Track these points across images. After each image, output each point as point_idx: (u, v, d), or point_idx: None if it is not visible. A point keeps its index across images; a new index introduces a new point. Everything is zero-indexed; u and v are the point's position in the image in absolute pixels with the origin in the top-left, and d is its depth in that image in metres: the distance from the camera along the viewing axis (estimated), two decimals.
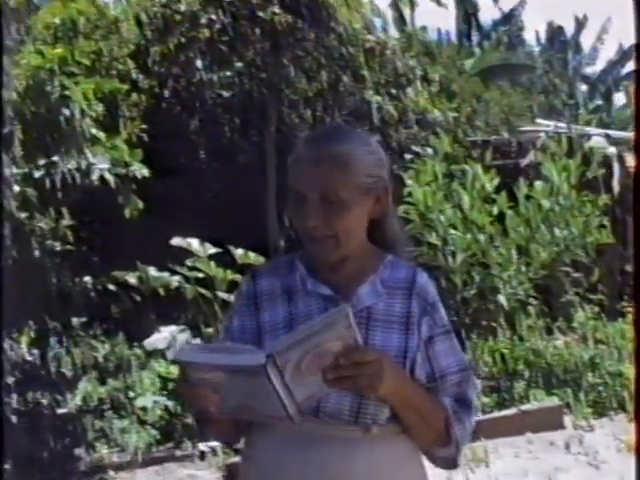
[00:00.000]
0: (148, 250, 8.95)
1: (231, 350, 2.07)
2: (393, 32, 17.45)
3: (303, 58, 11.34)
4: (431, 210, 9.00)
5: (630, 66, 25.11)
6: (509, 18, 24.43)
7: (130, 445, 7.23)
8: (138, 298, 9.94)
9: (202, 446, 7.28)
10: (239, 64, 10.78)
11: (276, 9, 10.34)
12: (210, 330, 8.20)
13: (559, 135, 11.51)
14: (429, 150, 10.79)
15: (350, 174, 2.26)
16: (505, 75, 19.14)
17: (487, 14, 36.93)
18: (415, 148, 10.95)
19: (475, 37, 23.99)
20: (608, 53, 26.54)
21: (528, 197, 9.30)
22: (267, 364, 1.94)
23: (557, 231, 9.11)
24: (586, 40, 25.49)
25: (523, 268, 9.07)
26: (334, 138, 2.31)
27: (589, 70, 25.50)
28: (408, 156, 10.88)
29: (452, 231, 8.90)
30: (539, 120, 14.36)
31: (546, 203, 9.09)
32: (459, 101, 12.86)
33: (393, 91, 11.25)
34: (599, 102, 24.78)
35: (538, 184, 9.34)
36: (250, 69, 10.92)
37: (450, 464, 2.42)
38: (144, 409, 7.76)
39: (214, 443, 7.31)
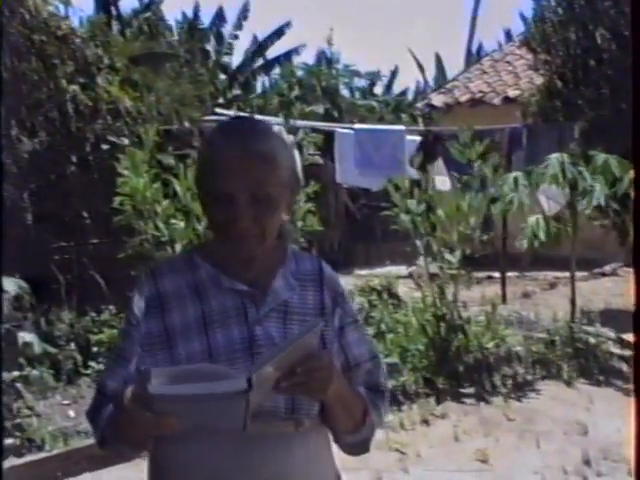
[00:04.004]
0: None
1: (203, 375, 1.99)
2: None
3: None
4: (147, 200, 8.90)
5: (266, 57, 26.05)
6: (149, 7, 24.34)
7: None
8: None
9: None
10: None
11: None
12: None
13: None
14: (125, 140, 10.70)
15: (278, 171, 2.26)
16: (149, 64, 19.06)
17: (128, 2, 37.10)
18: (111, 138, 10.78)
19: (115, 25, 23.72)
20: (245, 43, 27.10)
21: None
22: (249, 390, 1.94)
23: None
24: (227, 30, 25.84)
25: None
26: (256, 134, 2.27)
27: (227, 59, 26.03)
28: (105, 146, 10.72)
29: (173, 220, 8.86)
30: (219, 110, 14.59)
31: None
32: (139, 90, 12.75)
33: (82, 80, 10.96)
34: (237, 92, 25.40)
35: None
36: None
37: (362, 449, 2.50)
38: None
39: None
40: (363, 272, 15.06)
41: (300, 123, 12.66)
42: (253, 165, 2.20)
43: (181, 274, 2.35)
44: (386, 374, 2.57)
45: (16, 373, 7.56)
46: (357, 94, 26.57)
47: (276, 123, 12.51)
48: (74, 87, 10.54)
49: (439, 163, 12.18)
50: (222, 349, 2.24)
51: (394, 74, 29.21)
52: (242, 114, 14.33)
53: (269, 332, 2.29)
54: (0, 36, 5.80)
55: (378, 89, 28.53)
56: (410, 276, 10.46)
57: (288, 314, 2.34)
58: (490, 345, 9.15)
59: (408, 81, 51.92)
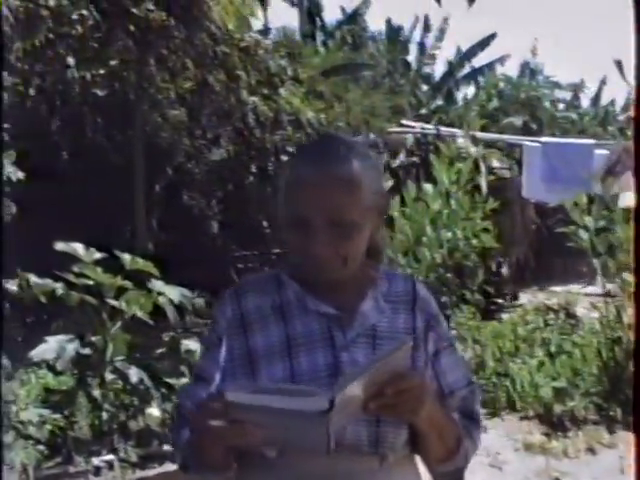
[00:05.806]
0: (25, 256, 8.55)
1: (286, 392, 1.92)
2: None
3: (168, 57, 11.11)
4: None
5: (469, 67, 25.85)
6: (353, 18, 24.59)
7: (17, 462, 6.87)
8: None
9: (96, 461, 7.02)
10: (114, 62, 10.46)
11: (150, 5, 10.04)
12: (94, 338, 7.89)
13: (426, 137, 11.64)
14: None
15: (360, 195, 2.13)
16: (347, 73, 19.18)
17: (332, 14, 37.76)
18: (291, 149, 10.90)
19: (319, 37, 24.12)
20: (447, 53, 27.05)
21: (417, 199, 9.34)
22: (330, 410, 1.84)
23: (443, 234, 9.18)
24: (429, 41, 25.84)
25: (409, 270, 9.12)
26: (338, 156, 2.15)
27: (428, 70, 25.97)
28: (285, 157, 10.86)
29: None
30: (405, 121, 14.55)
31: (435, 205, 9.14)
32: (325, 102, 12.85)
33: (265, 91, 11.13)
34: (439, 102, 25.28)
35: (427, 186, 9.38)
36: (122, 67, 10.62)
37: (454, 478, 2.36)
38: (22, 422, 7.40)
39: (109, 457, 7.09)
40: (551, 288, 14.66)
41: (485, 136, 12.44)
42: (330, 189, 2.10)
43: (266, 293, 2.27)
44: (481, 401, 2.44)
45: (184, 380, 7.66)
46: (560, 106, 25.95)
47: (460, 136, 12.39)
48: (254, 98, 10.70)
49: (627, 178, 11.69)
50: (305, 375, 2.15)
51: (602, 85, 28.36)
52: (429, 126, 14.20)
53: (355, 359, 2.18)
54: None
55: (585, 100, 27.79)
56: (592, 295, 10.07)
57: (377, 339, 2.22)
58: None
59: (617, 91, 50.29)
